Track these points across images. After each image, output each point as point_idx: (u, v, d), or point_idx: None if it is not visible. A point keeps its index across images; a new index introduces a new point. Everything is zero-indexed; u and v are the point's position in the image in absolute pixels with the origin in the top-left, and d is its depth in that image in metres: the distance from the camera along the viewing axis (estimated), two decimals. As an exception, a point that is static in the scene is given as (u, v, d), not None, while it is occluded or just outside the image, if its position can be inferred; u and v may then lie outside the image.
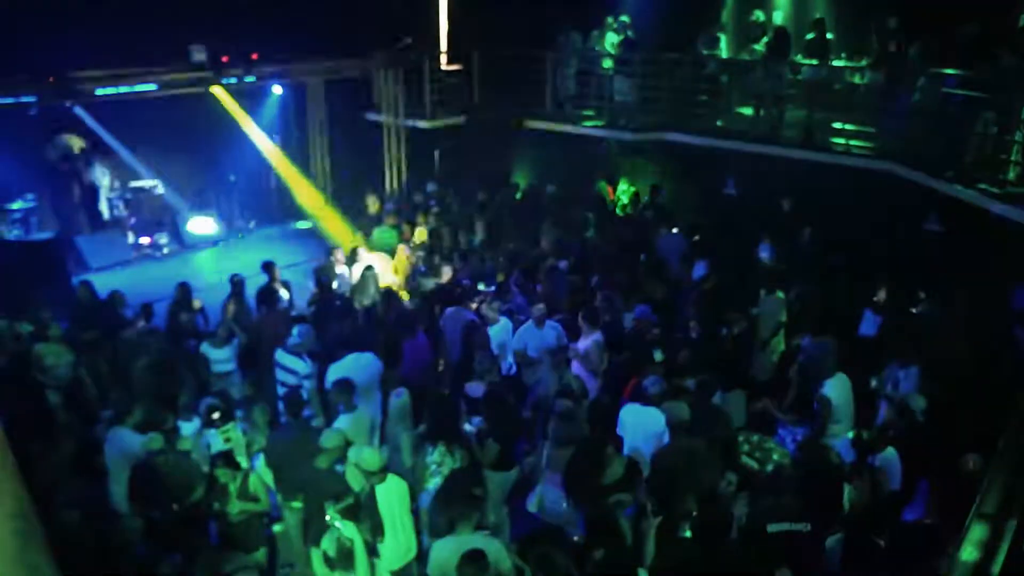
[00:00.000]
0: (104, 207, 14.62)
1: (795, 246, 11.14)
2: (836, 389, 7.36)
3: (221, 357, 8.67)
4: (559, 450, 6.67)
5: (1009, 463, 3.38)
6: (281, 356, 8.15)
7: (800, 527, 5.41)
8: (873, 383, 7.96)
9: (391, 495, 6.10)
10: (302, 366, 8.04)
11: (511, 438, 6.91)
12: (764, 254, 11.38)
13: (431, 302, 9.89)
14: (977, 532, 2.89)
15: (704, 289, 9.98)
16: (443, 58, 16.22)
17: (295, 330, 8.19)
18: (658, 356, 7.75)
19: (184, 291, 9.83)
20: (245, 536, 6.47)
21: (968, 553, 2.79)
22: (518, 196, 14.67)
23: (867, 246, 10.25)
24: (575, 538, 6.07)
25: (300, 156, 16.62)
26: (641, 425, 6.90)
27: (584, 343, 8.42)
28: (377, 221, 13.21)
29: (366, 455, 6.10)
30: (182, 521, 6.17)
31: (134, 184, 14.90)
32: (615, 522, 5.95)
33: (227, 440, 7.07)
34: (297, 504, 6.72)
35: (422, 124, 15.18)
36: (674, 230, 11.99)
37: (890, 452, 6.51)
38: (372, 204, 13.95)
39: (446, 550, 5.21)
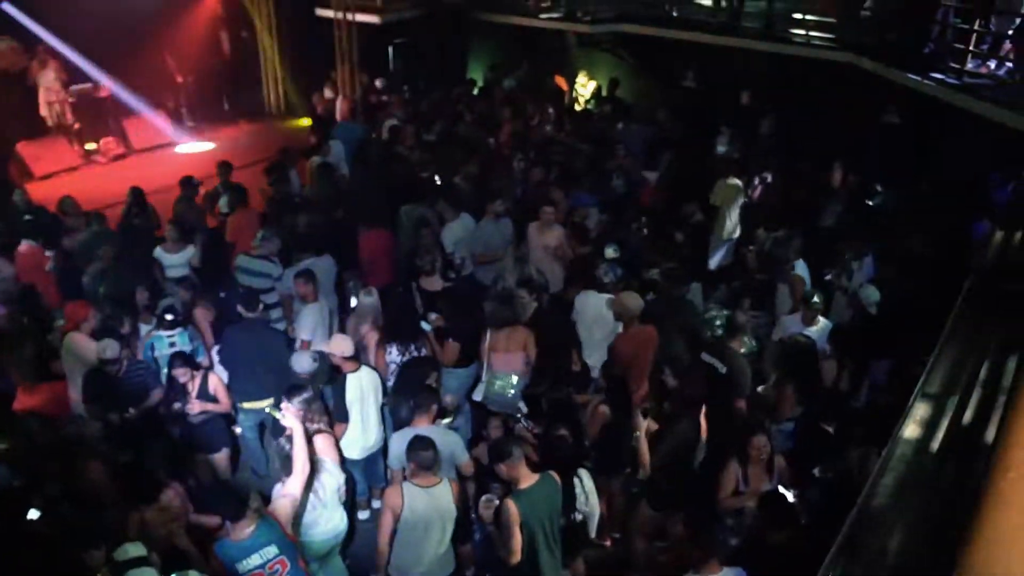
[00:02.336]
0: (46, 111, 13.93)
1: (754, 137, 11.07)
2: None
3: (175, 262, 8.45)
4: (497, 332, 6.61)
5: (954, 345, 3.41)
6: (248, 261, 8.00)
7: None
8: (828, 276, 8.02)
9: (364, 385, 6.14)
10: (274, 268, 7.93)
11: (470, 335, 6.86)
12: (722, 146, 11.33)
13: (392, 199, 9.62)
14: (920, 410, 2.92)
15: (664, 182, 9.89)
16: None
17: (259, 235, 8.03)
18: (610, 252, 7.69)
19: (136, 195, 9.50)
20: (206, 438, 6.47)
21: (910, 431, 2.82)
22: (475, 92, 14.33)
23: (827, 138, 10.19)
24: (522, 421, 6.22)
25: (251, 55, 16.01)
26: (592, 310, 7.05)
27: (550, 234, 8.37)
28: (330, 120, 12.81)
29: (339, 340, 6.11)
30: (140, 424, 6.12)
31: (77, 88, 14.18)
32: (570, 406, 6.10)
33: (171, 344, 6.94)
34: (251, 405, 6.69)
35: (374, 19, 14.57)
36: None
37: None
38: (319, 103, 13.55)
39: (404, 440, 5.24)
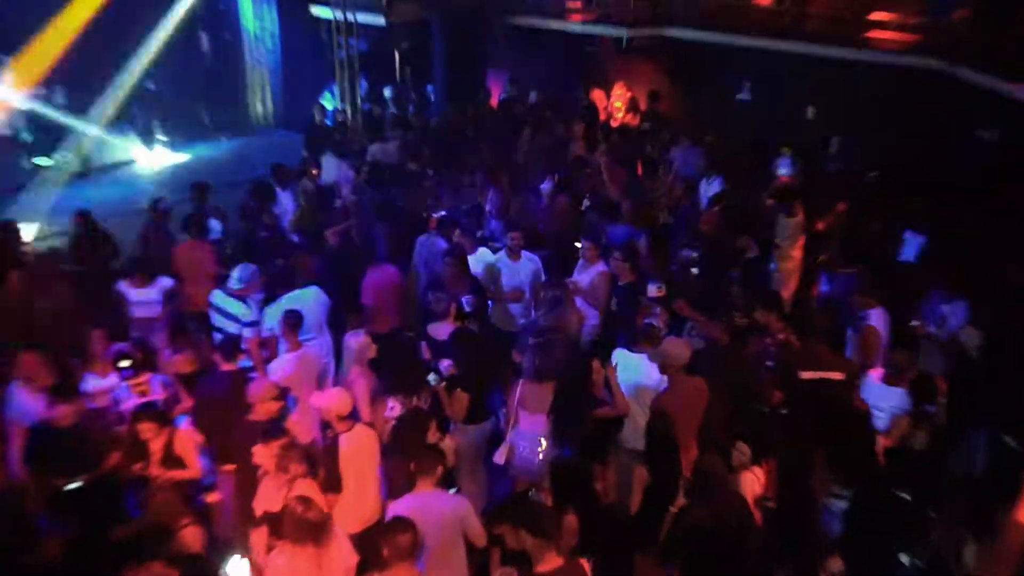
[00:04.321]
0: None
1: (821, 160, 11.02)
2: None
3: (143, 298, 8.38)
4: (533, 386, 6.55)
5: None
6: (219, 298, 8.00)
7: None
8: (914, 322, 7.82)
9: (359, 446, 6.07)
10: (243, 311, 7.88)
11: (484, 384, 6.85)
12: (783, 170, 11.27)
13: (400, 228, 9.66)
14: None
15: (715, 211, 9.86)
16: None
17: (236, 271, 7.99)
18: (653, 289, 7.67)
19: (86, 220, 9.49)
20: (170, 507, 6.29)
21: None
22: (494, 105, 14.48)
23: (907, 159, 10.09)
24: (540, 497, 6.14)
25: (235, 61, 16.17)
26: (630, 373, 6.88)
27: (587, 274, 8.33)
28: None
29: (335, 396, 6.09)
30: (92, 491, 5.99)
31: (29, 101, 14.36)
32: (589, 477, 5.97)
33: (141, 394, 6.87)
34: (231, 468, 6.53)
35: (379, 20, 14.67)
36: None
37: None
38: (319, 114, 13.64)
39: (402, 511, 5.20)
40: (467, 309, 7.69)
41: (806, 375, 6.58)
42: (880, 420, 6.48)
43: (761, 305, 7.41)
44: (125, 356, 6.97)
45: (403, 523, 4.92)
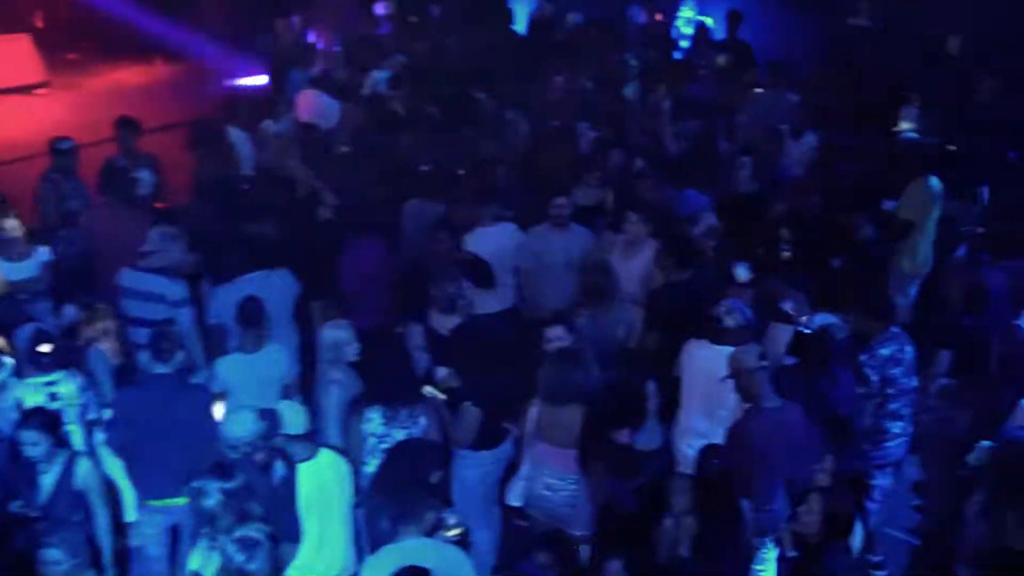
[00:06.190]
0: None
1: (963, 109, 10.98)
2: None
3: (19, 274, 8.39)
4: (552, 410, 6.64)
5: None
6: (134, 279, 8.02)
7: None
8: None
9: (324, 480, 6.12)
10: (172, 289, 7.93)
11: (500, 398, 6.90)
12: (911, 122, 11.27)
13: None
14: None
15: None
16: None
17: (152, 235, 8.01)
18: (742, 273, 7.83)
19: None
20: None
21: None
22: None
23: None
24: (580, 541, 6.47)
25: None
26: (704, 370, 7.04)
27: (637, 257, 8.46)
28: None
29: (286, 412, 6.19)
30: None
31: None
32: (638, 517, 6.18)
33: (54, 397, 6.82)
34: (162, 503, 6.68)
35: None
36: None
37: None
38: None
39: (382, 569, 5.19)
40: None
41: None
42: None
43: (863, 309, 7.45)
44: (44, 338, 6.93)
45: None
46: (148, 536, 6.91)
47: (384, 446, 6.52)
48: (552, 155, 10.45)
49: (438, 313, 7.77)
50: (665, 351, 7.55)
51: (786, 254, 8.99)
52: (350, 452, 6.50)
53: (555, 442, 6.64)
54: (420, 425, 6.68)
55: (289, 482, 6.05)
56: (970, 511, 6.10)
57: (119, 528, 6.80)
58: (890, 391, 7.25)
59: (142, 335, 7.57)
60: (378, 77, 12.61)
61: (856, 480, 6.91)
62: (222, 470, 5.53)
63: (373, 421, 6.61)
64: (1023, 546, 5.64)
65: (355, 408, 6.77)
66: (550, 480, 6.69)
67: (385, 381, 6.80)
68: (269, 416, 6.16)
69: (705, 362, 7.09)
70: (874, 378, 7.22)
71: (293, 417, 6.17)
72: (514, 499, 6.88)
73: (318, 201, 9.61)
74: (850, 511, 6.15)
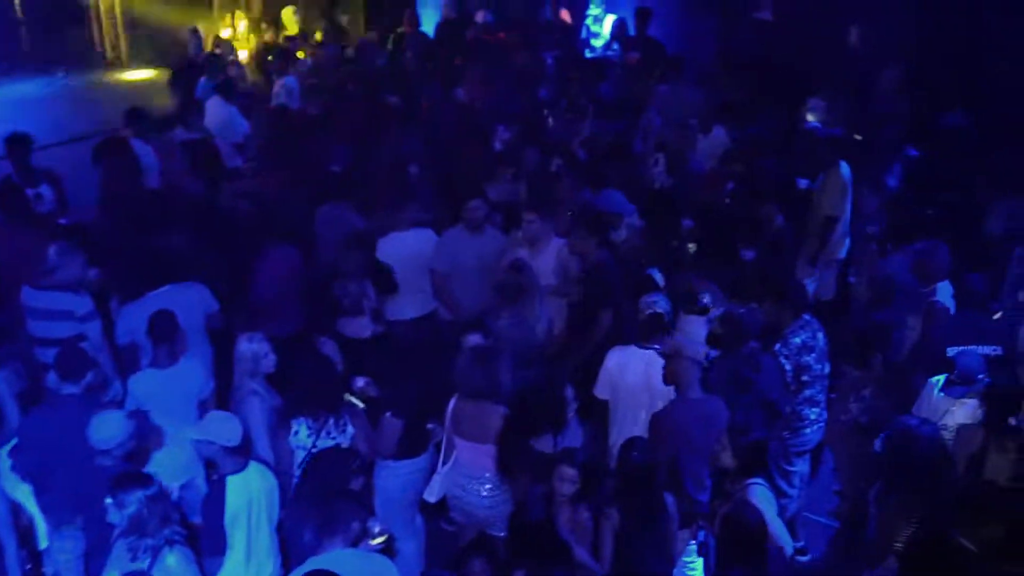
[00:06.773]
0: None
1: (868, 100, 11.14)
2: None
3: None
4: (466, 404, 6.68)
5: None
6: (37, 297, 7.87)
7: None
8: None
9: (252, 493, 6.06)
10: (78, 303, 7.79)
11: (421, 406, 6.88)
12: (815, 114, 11.36)
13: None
14: None
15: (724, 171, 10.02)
16: None
17: (50, 251, 7.85)
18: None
19: None
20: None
21: None
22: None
23: (995, 95, 10.25)
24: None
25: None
26: (634, 375, 7.11)
27: (543, 254, 8.47)
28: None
29: (217, 421, 6.12)
30: None
31: None
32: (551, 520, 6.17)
33: None
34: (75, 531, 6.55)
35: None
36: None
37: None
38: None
39: None
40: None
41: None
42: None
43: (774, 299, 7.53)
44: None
45: None
46: (63, 563, 6.78)
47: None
48: (466, 156, 10.44)
49: (346, 317, 7.74)
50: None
51: (693, 247, 9.10)
52: (280, 465, 6.47)
53: (470, 437, 6.65)
54: (348, 434, 6.68)
55: (217, 495, 5.99)
56: (871, 497, 6.22)
57: (33, 557, 6.76)
58: (805, 378, 7.34)
59: (49, 355, 7.36)
60: (288, 83, 12.55)
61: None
62: (139, 478, 5.48)
63: (300, 433, 6.58)
64: (905, 530, 5.70)
65: (281, 422, 6.73)
66: (463, 479, 6.73)
67: (307, 391, 6.76)
68: (136, 416, 6.19)
69: (634, 365, 7.14)
70: (788, 366, 7.28)
71: (228, 429, 6.04)
72: (430, 495, 6.87)
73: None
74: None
